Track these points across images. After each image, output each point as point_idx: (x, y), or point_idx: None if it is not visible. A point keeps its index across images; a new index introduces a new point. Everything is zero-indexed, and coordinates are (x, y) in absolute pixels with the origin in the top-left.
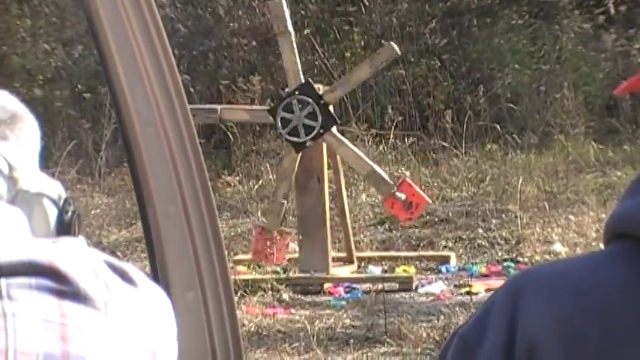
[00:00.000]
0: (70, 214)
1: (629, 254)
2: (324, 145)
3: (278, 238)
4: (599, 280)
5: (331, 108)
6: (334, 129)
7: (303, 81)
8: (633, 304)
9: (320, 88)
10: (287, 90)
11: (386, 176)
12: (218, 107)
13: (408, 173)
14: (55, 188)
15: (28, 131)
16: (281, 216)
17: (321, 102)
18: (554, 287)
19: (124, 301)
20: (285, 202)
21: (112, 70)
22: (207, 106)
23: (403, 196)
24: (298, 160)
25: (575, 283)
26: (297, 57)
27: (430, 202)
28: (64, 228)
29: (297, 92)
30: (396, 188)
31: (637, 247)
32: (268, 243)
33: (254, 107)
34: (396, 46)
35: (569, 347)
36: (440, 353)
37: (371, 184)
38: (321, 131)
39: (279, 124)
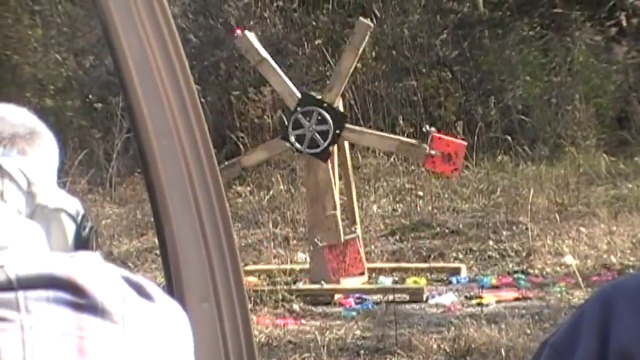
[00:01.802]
0: (87, 230)
1: None
2: (336, 155)
3: (347, 247)
4: None
5: (340, 107)
6: (348, 124)
7: (299, 96)
8: None
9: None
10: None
11: (414, 141)
12: (237, 159)
13: (433, 128)
14: (73, 204)
15: (47, 147)
16: (339, 228)
17: (325, 105)
18: None
19: (142, 316)
20: (337, 212)
21: (127, 80)
22: (229, 162)
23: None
24: (307, 170)
25: None
26: (284, 77)
27: (466, 143)
28: (81, 243)
29: (298, 108)
30: (427, 147)
31: None
32: (341, 257)
33: (267, 143)
34: (366, 20)
35: None
36: None
37: (404, 156)
38: (337, 131)
39: (296, 144)
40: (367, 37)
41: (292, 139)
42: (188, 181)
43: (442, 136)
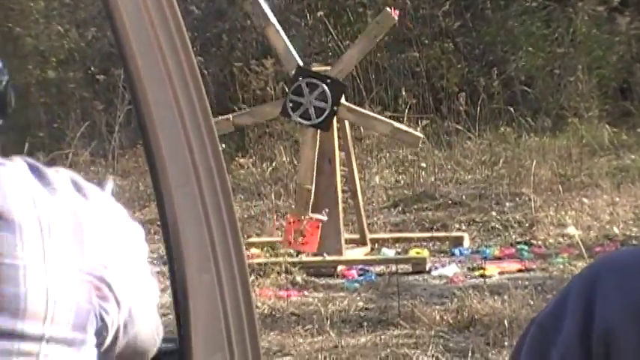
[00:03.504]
0: (3, 85)
1: None
2: (335, 126)
3: (308, 225)
4: None
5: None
6: (346, 102)
7: (301, 64)
8: None
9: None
10: (291, 74)
11: (409, 129)
12: (230, 116)
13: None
14: None
15: None
16: (310, 203)
17: (328, 81)
18: (628, 276)
19: (62, 214)
20: (312, 187)
21: (127, 51)
22: (219, 118)
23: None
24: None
25: None
26: (289, 44)
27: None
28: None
29: (300, 77)
30: (420, 135)
31: None
32: (299, 232)
33: (255, 109)
34: (392, 12)
35: None
36: (517, 341)
37: (397, 142)
38: (335, 108)
39: (290, 111)
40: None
41: (290, 105)
42: (188, 152)
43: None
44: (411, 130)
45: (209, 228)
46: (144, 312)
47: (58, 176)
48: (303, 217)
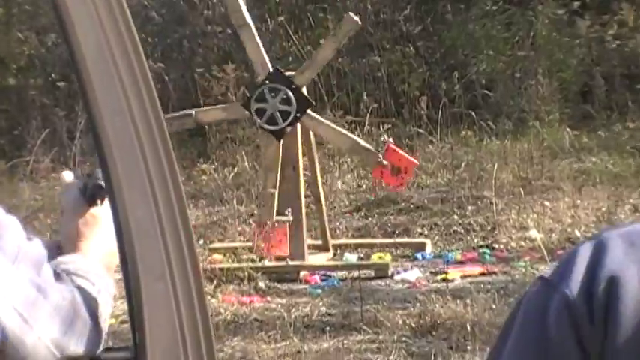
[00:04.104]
0: None
1: None
2: (299, 132)
3: (275, 229)
4: None
5: (304, 90)
6: (310, 111)
7: (271, 69)
8: None
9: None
10: (257, 79)
11: (369, 146)
12: (193, 111)
13: (391, 139)
14: None
15: None
16: (274, 206)
17: (293, 86)
18: (637, 235)
19: None
20: (275, 191)
21: (79, 61)
22: (182, 112)
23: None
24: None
25: None
26: (261, 47)
27: (418, 163)
28: None
29: (267, 81)
30: (381, 156)
31: None
32: (267, 236)
33: (227, 105)
34: (355, 17)
35: None
36: (519, 298)
37: (356, 157)
38: (298, 115)
39: (255, 116)
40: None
41: (253, 110)
42: (142, 159)
43: (397, 150)
44: (371, 148)
45: (163, 236)
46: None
47: None
48: (268, 221)
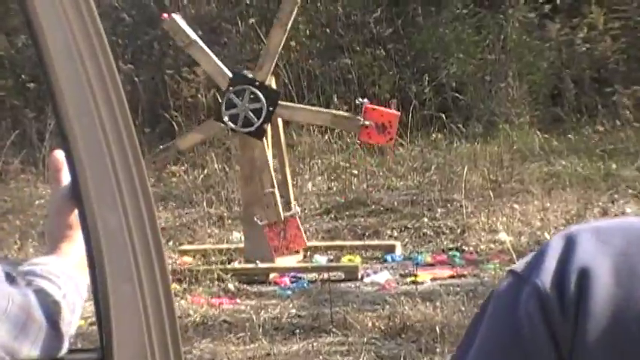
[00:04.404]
0: None
1: None
2: (269, 135)
3: (287, 225)
4: None
5: (273, 84)
6: (281, 102)
7: (231, 75)
8: None
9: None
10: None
11: (348, 114)
12: (171, 143)
13: (366, 100)
14: None
15: None
16: (279, 205)
17: (256, 83)
18: (608, 230)
19: None
20: (275, 190)
21: (47, 62)
22: (162, 146)
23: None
24: (242, 149)
25: (630, 229)
26: (214, 58)
27: (399, 113)
28: None
29: (230, 87)
30: (361, 118)
31: None
32: (282, 234)
33: (201, 126)
34: None
35: (620, 276)
36: (490, 293)
37: (339, 129)
38: (270, 109)
39: (230, 124)
40: (295, 13)
41: (226, 118)
42: (109, 161)
43: (375, 106)
44: (350, 115)
45: (131, 238)
46: None
47: None
48: (277, 220)
